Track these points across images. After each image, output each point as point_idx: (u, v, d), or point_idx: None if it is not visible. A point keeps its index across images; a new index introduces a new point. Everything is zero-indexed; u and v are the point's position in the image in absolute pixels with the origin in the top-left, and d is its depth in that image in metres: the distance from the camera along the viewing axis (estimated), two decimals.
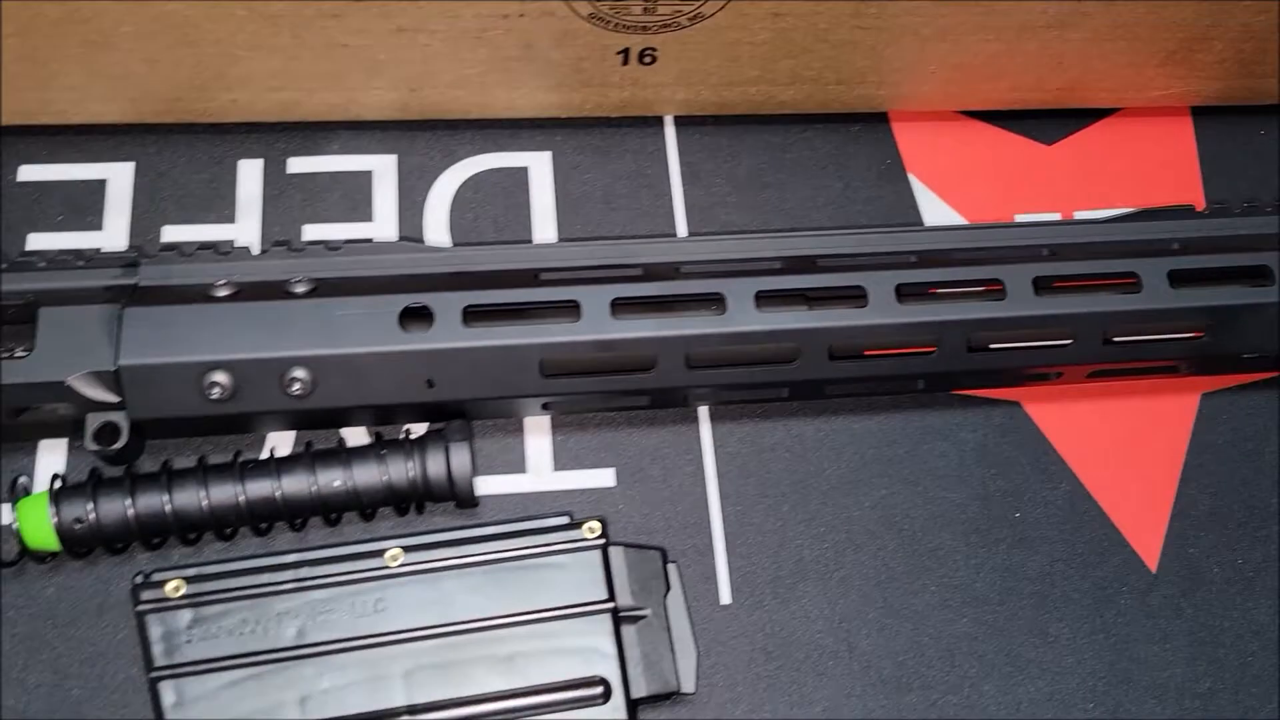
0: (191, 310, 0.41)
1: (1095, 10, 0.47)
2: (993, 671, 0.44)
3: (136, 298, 0.42)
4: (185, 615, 0.39)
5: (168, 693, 0.39)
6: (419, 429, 0.45)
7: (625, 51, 0.48)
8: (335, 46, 0.46)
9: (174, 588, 0.40)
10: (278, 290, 0.42)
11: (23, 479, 0.43)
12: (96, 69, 0.46)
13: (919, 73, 0.50)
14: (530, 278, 0.44)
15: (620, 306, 0.43)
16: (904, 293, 0.44)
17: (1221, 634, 0.45)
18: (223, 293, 0.42)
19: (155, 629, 0.39)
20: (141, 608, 0.39)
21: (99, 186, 0.49)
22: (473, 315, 0.42)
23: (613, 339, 0.42)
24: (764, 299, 0.43)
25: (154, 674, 0.39)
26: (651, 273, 0.44)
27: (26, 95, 0.47)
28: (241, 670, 0.39)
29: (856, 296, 0.44)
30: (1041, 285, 0.44)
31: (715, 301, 0.43)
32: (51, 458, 0.44)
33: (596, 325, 0.42)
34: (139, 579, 0.40)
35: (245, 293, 0.42)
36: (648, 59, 0.48)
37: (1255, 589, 0.46)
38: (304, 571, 0.40)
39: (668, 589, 0.42)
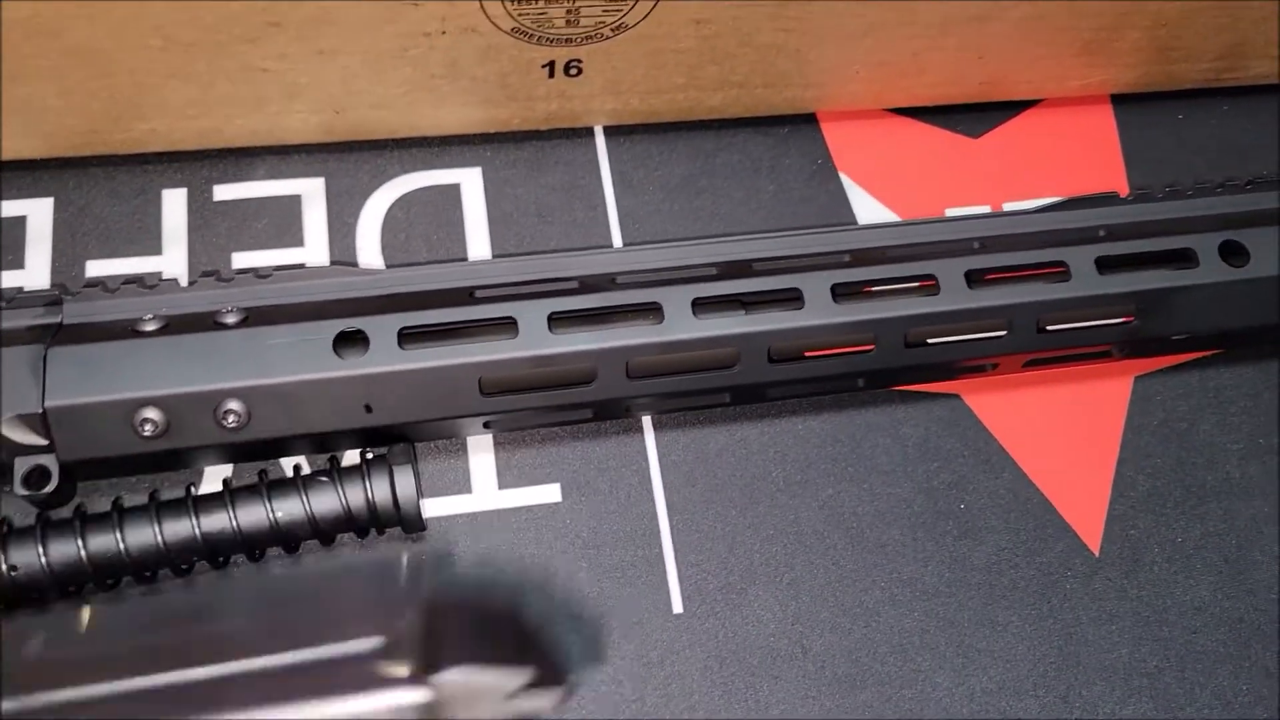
0: (118, 347, 0.40)
1: (1012, 4, 0.48)
2: (945, 664, 0.45)
3: (61, 337, 0.41)
4: None
5: None
6: (352, 456, 0.44)
7: (550, 65, 0.47)
8: (254, 71, 0.45)
9: None
10: (207, 321, 0.41)
11: None
12: (9, 104, 0.45)
13: (844, 72, 0.51)
14: (465, 296, 0.43)
15: (557, 321, 0.42)
16: (839, 293, 0.44)
17: (1165, 613, 0.46)
18: (150, 327, 0.41)
19: None
20: None
21: (18, 224, 0.48)
22: (408, 337, 0.42)
23: (551, 354, 0.42)
24: (701, 306, 0.43)
25: None
26: (587, 285, 0.44)
27: None
28: None
29: (793, 299, 0.44)
30: (974, 278, 0.45)
31: (653, 311, 0.43)
32: None
33: (534, 341, 0.42)
34: None
35: (173, 326, 0.41)
36: (574, 71, 0.48)
37: (1195, 567, 0.47)
38: None
39: None
